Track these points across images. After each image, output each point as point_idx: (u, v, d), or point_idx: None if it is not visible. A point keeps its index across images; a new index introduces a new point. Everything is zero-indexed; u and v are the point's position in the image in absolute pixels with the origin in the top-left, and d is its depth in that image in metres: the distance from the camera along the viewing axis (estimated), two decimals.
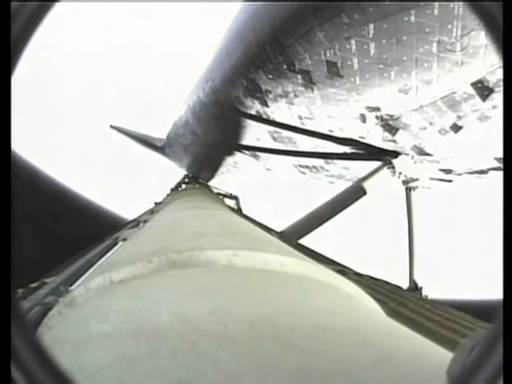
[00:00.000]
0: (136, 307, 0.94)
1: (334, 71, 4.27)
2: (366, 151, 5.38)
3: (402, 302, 2.28)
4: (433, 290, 5.55)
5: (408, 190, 5.83)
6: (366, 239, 13.50)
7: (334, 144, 5.60)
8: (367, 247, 12.69)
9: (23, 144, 13.35)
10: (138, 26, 18.06)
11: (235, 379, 0.61)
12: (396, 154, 5.15)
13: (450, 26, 3.28)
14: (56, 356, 0.47)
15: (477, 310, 2.22)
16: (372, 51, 3.83)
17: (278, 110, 5.55)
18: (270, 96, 5.32)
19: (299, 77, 4.68)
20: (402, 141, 4.84)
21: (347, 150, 5.62)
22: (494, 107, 3.73)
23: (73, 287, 1.79)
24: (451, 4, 3.16)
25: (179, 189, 10.39)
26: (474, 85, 3.63)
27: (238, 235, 1.84)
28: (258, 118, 6.03)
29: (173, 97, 11.70)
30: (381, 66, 3.91)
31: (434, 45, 3.48)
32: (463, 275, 10.75)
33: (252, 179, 10.51)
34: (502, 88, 3.49)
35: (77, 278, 2.14)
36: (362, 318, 1.01)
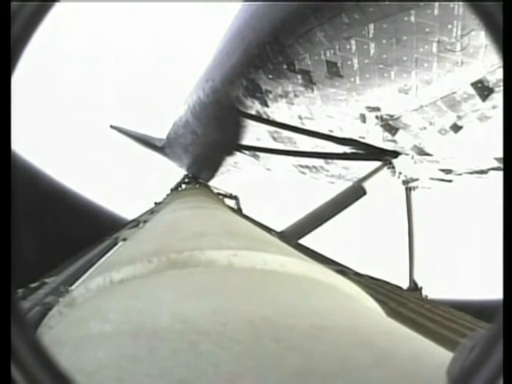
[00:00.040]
0: (136, 307, 0.94)
1: (334, 71, 4.27)
2: (365, 151, 5.38)
3: (402, 302, 2.28)
4: (433, 290, 5.56)
5: (408, 190, 5.83)
6: (366, 239, 13.50)
7: (334, 144, 5.60)
8: (367, 247, 12.69)
9: (23, 144, 13.36)
10: (137, 26, 18.08)
11: (235, 379, 0.61)
12: (396, 153, 5.15)
13: (450, 26, 3.28)
14: (56, 356, 0.47)
15: (477, 310, 2.22)
16: (372, 51, 3.83)
17: (278, 110, 5.55)
18: (270, 96, 5.32)
19: (299, 77, 4.68)
20: (402, 141, 4.84)
21: (347, 149, 5.61)
22: (493, 107, 3.73)
23: (73, 287, 1.79)
24: (451, 4, 3.16)
25: (179, 189, 10.39)
26: (474, 85, 3.63)
27: (237, 235, 1.83)
28: (258, 118, 6.03)
29: (173, 97, 11.71)
30: (381, 65, 3.91)
31: (434, 45, 3.48)
32: (463, 275, 10.76)
33: (252, 179, 10.51)
34: (501, 88, 3.49)
35: (77, 278, 2.14)
36: (361, 318, 1.01)
